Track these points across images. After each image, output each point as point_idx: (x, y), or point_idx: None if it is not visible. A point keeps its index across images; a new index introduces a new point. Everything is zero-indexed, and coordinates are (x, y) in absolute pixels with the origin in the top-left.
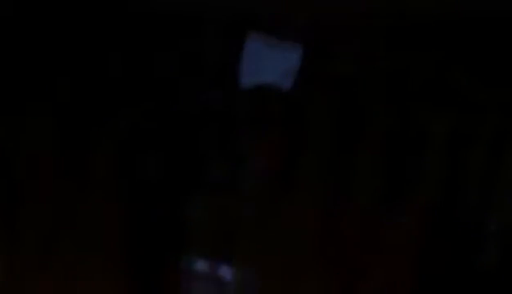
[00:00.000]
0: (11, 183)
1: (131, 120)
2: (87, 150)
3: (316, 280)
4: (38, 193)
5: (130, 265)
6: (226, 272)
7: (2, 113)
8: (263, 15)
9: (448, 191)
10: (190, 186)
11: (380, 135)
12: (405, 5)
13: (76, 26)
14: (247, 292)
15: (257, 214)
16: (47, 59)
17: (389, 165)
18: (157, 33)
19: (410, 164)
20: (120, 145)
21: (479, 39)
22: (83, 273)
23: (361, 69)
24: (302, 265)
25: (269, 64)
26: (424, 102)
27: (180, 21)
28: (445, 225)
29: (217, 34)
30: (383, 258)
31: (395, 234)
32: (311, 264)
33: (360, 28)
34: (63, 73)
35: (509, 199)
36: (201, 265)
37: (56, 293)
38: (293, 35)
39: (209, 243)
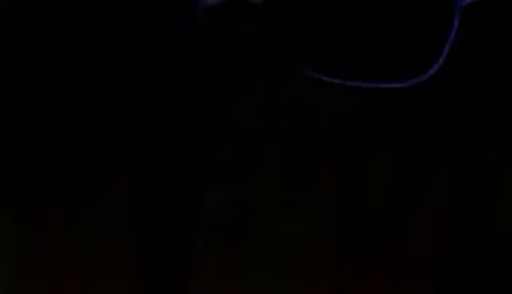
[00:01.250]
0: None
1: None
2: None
3: (333, 262)
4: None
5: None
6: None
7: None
8: None
9: (473, 170)
10: (201, 172)
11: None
12: None
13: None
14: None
15: (273, 198)
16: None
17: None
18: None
19: (434, 146)
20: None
21: None
22: (98, 270)
23: None
24: (319, 250)
25: None
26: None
27: None
28: (470, 205)
29: None
30: (406, 237)
31: (419, 214)
32: (329, 248)
33: None
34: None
35: None
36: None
37: (69, 292)
38: None
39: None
